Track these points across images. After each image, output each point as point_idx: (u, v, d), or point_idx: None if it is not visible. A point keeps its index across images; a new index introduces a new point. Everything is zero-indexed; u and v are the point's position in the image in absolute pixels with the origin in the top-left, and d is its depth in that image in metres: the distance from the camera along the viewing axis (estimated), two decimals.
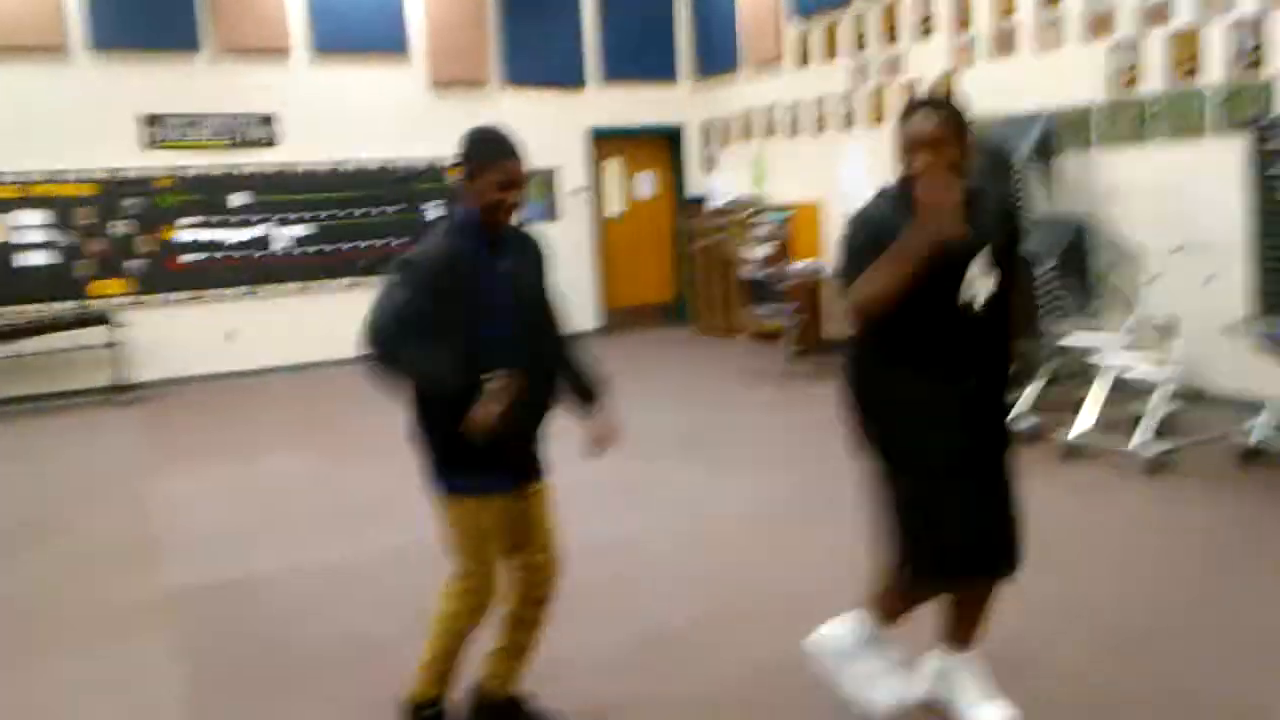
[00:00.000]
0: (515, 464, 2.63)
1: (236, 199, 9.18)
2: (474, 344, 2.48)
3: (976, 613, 2.67)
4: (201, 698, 3.19)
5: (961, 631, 2.70)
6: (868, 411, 2.56)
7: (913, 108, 2.43)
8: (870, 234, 2.42)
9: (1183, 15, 5.90)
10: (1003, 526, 2.53)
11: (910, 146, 2.39)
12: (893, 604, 2.65)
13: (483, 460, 2.52)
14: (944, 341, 2.44)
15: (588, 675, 3.16)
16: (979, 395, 2.50)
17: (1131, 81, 6.23)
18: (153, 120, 8.85)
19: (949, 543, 2.48)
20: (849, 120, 8.67)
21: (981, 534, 2.50)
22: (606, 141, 10.78)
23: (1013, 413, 2.58)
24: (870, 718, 2.66)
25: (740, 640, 3.36)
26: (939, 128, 2.37)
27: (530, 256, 2.68)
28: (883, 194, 2.52)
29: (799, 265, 8.54)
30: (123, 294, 8.84)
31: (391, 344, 2.43)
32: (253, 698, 3.18)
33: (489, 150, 2.53)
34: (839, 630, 2.71)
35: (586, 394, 2.79)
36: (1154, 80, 6.11)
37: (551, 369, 2.68)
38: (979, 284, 2.41)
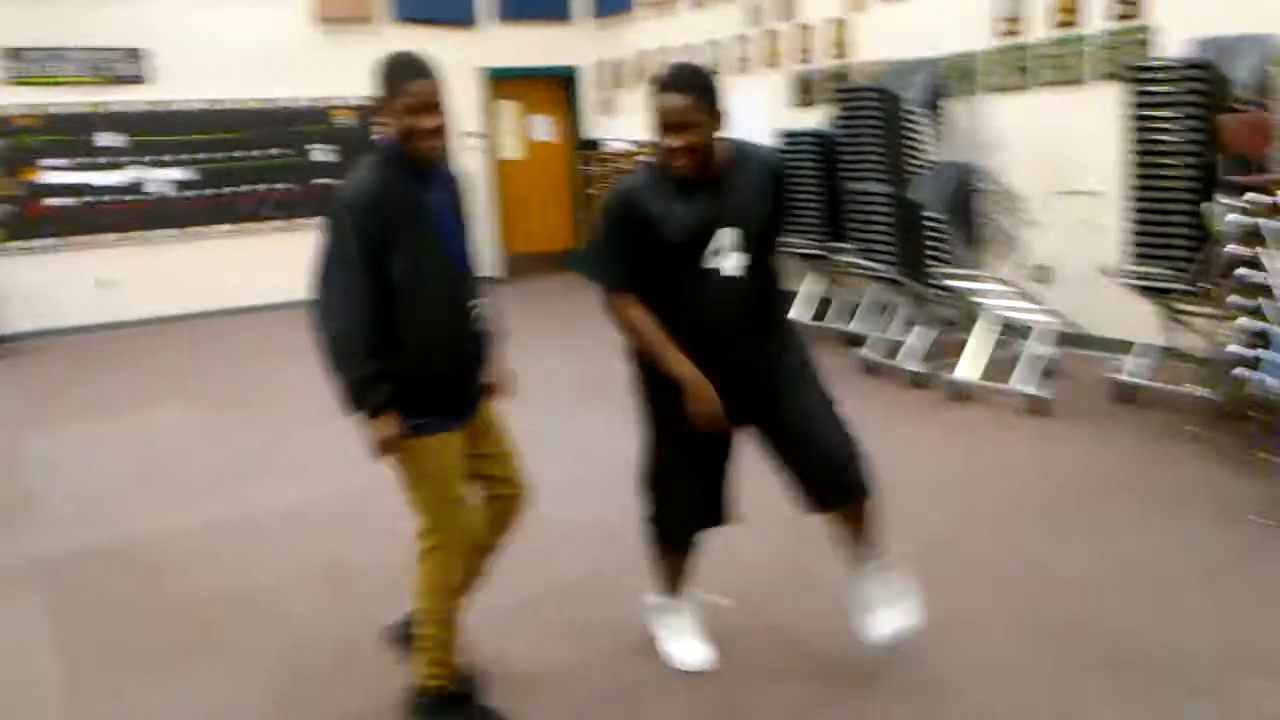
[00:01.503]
0: (462, 400, 2.57)
1: (105, 139, 8.68)
2: (416, 279, 2.41)
3: (852, 532, 2.71)
4: (79, 668, 3.07)
5: (852, 548, 2.74)
6: (639, 368, 2.71)
7: (660, 85, 2.46)
8: (624, 220, 2.53)
9: None
10: (705, 499, 2.73)
11: (660, 126, 2.45)
12: (654, 566, 2.87)
13: (433, 399, 2.46)
14: (691, 306, 2.54)
15: (495, 628, 3.13)
16: (718, 363, 2.55)
17: (1015, 29, 6.34)
18: (12, 54, 8.28)
19: (654, 514, 2.77)
20: (744, 63, 8.64)
21: (683, 512, 2.73)
22: (501, 83, 10.53)
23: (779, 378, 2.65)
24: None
25: (644, 588, 3.38)
26: (684, 111, 2.41)
27: (454, 184, 2.59)
28: (645, 168, 2.58)
29: None
30: None
31: (350, 353, 2.36)
32: (133, 664, 3.07)
33: (394, 75, 2.40)
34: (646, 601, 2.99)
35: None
36: (1037, 28, 6.23)
37: (478, 298, 2.62)
38: (726, 257, 2.51)
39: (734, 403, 2.57)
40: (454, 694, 2.60)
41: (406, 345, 2.41)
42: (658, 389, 2.63)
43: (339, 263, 2.36)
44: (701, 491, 2.72)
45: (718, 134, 2.48)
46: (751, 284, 2.55)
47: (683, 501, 2.72)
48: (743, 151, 2.58)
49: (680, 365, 2.54)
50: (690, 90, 2.42)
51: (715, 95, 2.46)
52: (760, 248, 2.57)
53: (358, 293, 2.35)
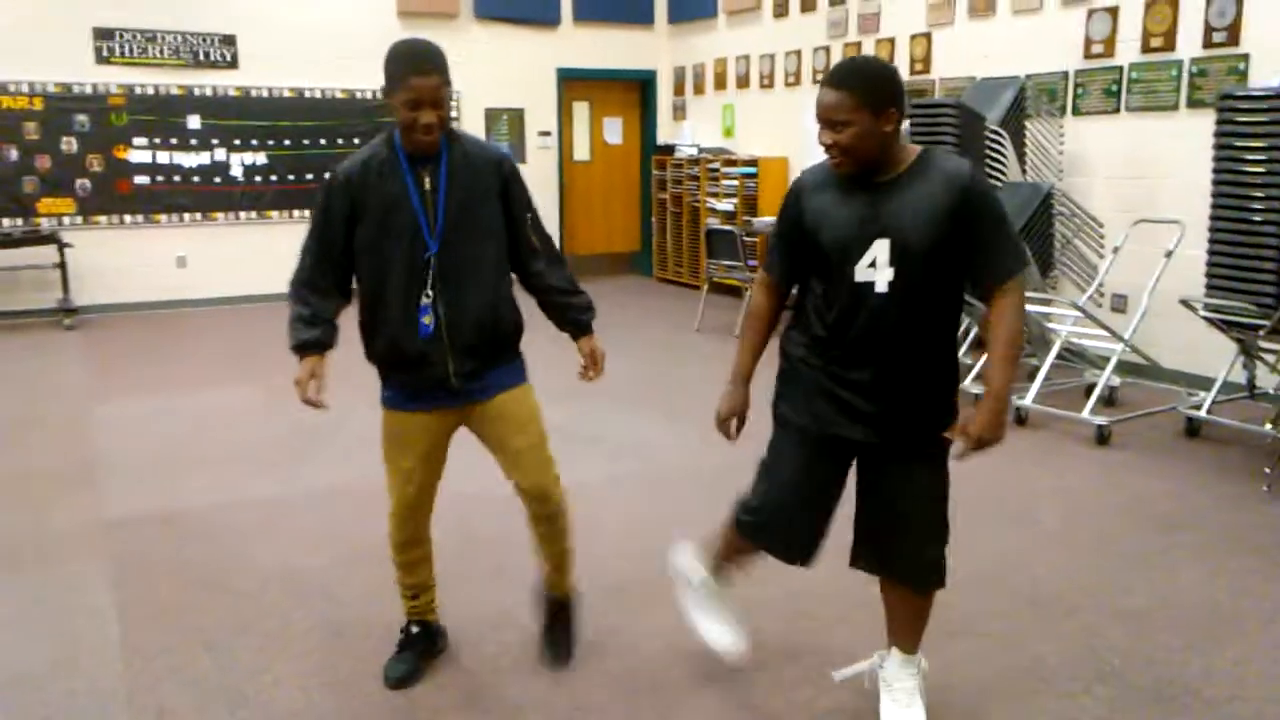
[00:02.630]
0: (430, 378, 2.56)
1: (193, 121, 8.92)
2: (379, 257, 2.52)
3: (903, 617, 2.57)
4: (132, 628, 3.13)
5: (895, 632, 2.61)
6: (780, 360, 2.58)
7: (824, 78, 2.32)
8: (790, 212, 2.45)
9: None
10: (794, 515, 2.50)
11: (817, 120, 2.32)
12: (721, 542, 2.74)
13: (393, 374, 2.63)
14: (838, 314, 2.36)
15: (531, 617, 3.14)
16: (857, 383, 2.37)
17: (1107, 51, 6.20)
18: (107, 34, 8.55)
19: (748, 500, 2.58)
20: (824, 75, 8.56)
21: (769, 510, 2.52)
22: (576, 84, 10.59)
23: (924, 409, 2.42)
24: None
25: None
26: (835, 107, 2.24)
27: (472, 173, 2.55)
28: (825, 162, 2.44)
29: (764, 220, 8.49)
30: (71, 213, 8.60)
31: (295, 294, 2.60)
32: (184, 630, 3.12)
33: (396, 69, 2.41)
34: (686, 565, 2.86)
35: (566, 321, 2.76)
36: (1129, 51, 6.08)
37: (486, 293, 2.56)
38: (881, 271, 2.29)
39: (853, 442, 2.42)
40: (411, 634, 2.88)
41: (368, 320, 2.59)
42: (786, 384, 2.52)
43: (310, 225, 2.60)
44: (792, 504, 2.50)
45: (882, 135, 2.26)
46: (904, 307, 2.30)
47: (771, 501, 2.52)
48: (928, 160, 2.32)
49: (736, 362, 2.55)
50: (848, 86, 2.23)
51: (883, 93, 2.24)
52: (926, 270, 2.28)
53: (311, 252, 2.58)
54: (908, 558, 2.45)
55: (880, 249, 2.28)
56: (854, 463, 2.49)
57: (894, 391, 2.37)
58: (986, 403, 2.30)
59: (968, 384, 5.60)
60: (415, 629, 2.88)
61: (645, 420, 5.40)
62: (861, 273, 2.30)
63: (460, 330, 2.53)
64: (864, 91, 2.23)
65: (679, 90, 10.80)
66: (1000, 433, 2.30)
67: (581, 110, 10.87)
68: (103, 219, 8.71)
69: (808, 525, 2.50)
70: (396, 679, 2.78)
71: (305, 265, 2.59)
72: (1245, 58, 5.46)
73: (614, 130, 11.10)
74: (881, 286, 2.30)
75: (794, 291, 2.55)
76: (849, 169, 2.31)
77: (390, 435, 2.67)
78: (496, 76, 9.91)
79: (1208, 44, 5.64)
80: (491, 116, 10.08)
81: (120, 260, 8.78)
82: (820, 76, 8.56)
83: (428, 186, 2.50)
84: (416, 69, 2.38)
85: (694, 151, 10.05)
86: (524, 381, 2.71)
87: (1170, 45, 5.84)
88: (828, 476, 2.47)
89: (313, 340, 2.56)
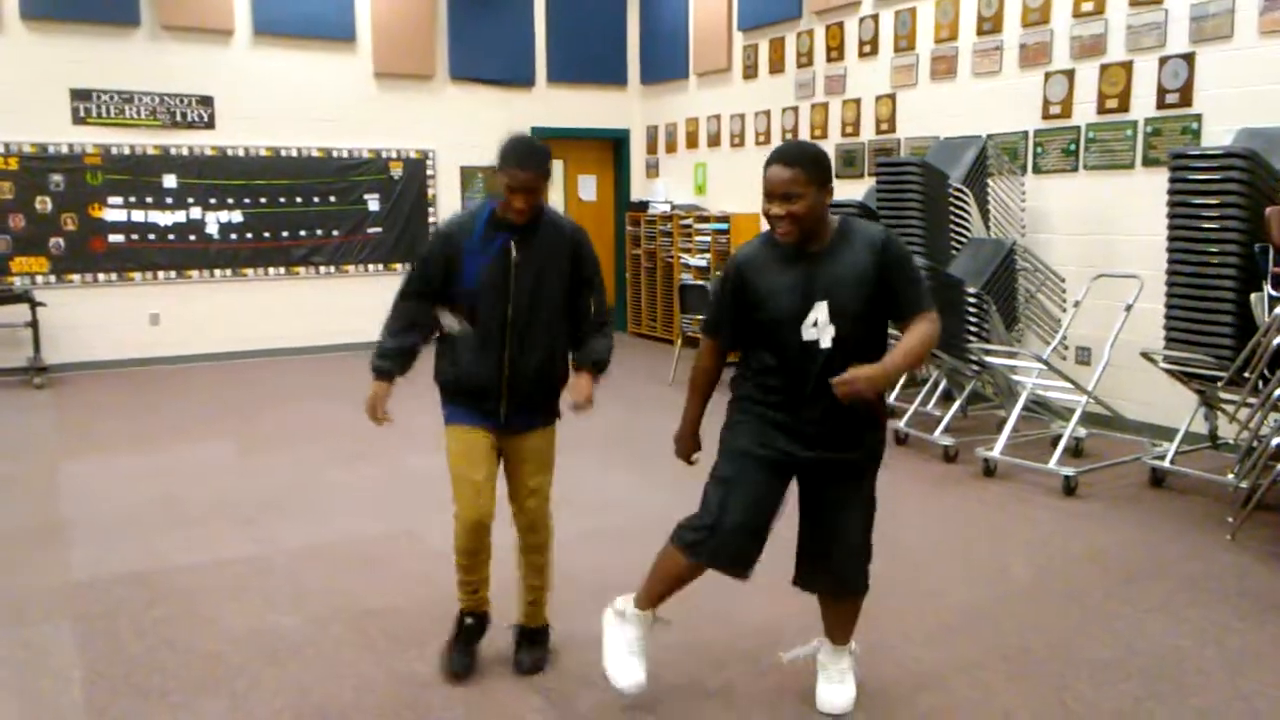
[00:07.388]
0: (485, 409, 2.98)
1: (169, 180, 8.96)
2: (466, 307, 2.95)
3: (838, 621, 2.95)
4: (97, 691, 3.10)
5: (831, 630, 2.97)
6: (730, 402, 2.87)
7: (771, 157, 2.63)
8: (732, 288, 2.74)
9: (1116, 50, 6.06)
10: (752, 533, 2.72)
11: (766, 194, 2.63)
12: (656, 576, 2.89)
13: (455, 398, 3.03)
14: (785, 372, 2.68)
15: (506, 678, 3.13)
16: (806, 421, 2.68)
17: (1064, 112, 6.38)
18: (84, 95, 8.62)
19: (697, 522, 2.76)
20: (794, 135, 8.75)
21: (728, 530, 2.71)
22: (550, 142, 10.66)
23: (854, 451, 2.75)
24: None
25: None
26: (788, 181, 2.57)
27: (549, 247, 2.98)
28: (762, 235, 2.76)
29: None
30: (44, 272, 8.59)
31: (388, 327, 3.08)
32: (150, 692, 3.09)
33: (503, 157, 2.86)
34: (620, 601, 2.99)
35: (579, 352, 3.15)
36: (1086, 112, 6.26)
37: (544, 345, 3.00)
38: (823, 330, 2.61)
39: (802, 463, 2.72)
40: (464, 624, 3.17)
41: (447, 352, 3.03)
42: (738, 416, 2.80)
43: (412, 267, 3.12)
44: (751, 524, 2.71)
45: (823, 207, 2.60)
46: (845, 357, 2.58)
47: (730, 520, 2.70)
48: (848, 227, 2.67)
49: (688, 415, 2.93)
50: (796, 163, 2.57)
51: (825, 170, 2.60)
52: (861, 326, 2.64)
53: (408, 290, 3.07)
54: (842, 569, 2.81)
55: (820, 310, 2.61)
56: (795, 486, 2.79)
57: (838, 423, 2.68)
58: (878, 365, 2.55)
59: (936, 435, 5.67)
60: (470, 620, 3.17)
61: (618, 472, 5.42)
62: (807, 332, 2.62)
63: (519, 377, 2.97)
64: (812, 169, 2.59)
65: (652, 149, 10.98)
66: (871, 387, 2.51)
67: (556, 168, 10.98)
68: (76, 277, 8.70)
69: (760, 541, 2.75)
70: (461, 671, 3.10)
71: (396, 303, 3.07)
72: (1198, 117, 5.64)
73: (588, 188, 11.24)
74: (826, 343, 2.62)
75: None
76: (794, 238, 2.63)
77: (453, 448, 3.01)
78: (471, 136, 10.01)
79: (1161, 105, 5.83)
80: (467, 175, 10.20)
81: (93, 318, 8.76)
82: (790, 136, 8.75)
83: (513, 254, 2.92)
84: (519, 163, 2.83)
85: (667, 208, 10.19)
86: (555, 420, 3.14)
87: (1125, 106, 6.02)
88: (778, 497, 2.76)
89: (385, 369, 3.05)
